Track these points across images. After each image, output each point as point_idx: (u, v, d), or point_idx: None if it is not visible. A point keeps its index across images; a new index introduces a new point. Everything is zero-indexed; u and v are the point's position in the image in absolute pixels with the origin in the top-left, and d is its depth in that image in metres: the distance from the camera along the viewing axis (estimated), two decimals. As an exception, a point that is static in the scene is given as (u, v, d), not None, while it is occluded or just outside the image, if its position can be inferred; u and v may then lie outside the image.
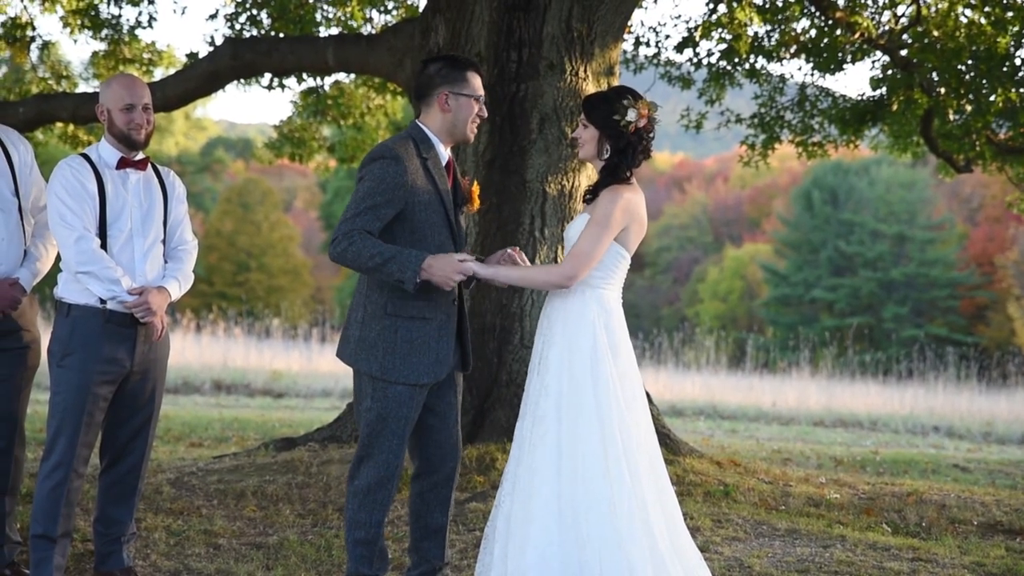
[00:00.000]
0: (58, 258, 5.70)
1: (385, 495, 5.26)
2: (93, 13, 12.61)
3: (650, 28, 13.28)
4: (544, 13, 8.99)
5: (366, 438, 5.23)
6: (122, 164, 5.60)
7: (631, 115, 5.20)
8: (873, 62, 12.96)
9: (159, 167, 5.81)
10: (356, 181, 5.22)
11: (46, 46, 13.22)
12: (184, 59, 12.66)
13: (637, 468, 5.09)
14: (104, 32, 12.76)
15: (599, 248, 5.16)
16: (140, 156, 5.67)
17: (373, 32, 12.57)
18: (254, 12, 12.33)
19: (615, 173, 5.25)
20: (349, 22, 12.97)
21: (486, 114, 5.41)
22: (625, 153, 5.24)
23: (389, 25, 12.52)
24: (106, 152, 5.61)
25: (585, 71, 9.06)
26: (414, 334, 5.19)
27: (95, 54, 13.28)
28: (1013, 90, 11.68)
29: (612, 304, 5.29)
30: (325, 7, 12.77)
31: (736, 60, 12.77)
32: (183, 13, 12.70)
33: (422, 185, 5.19)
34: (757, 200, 56.41)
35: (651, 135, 5.32)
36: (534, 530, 5.04)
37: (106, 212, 5.52)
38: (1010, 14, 11.54)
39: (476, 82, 5.37)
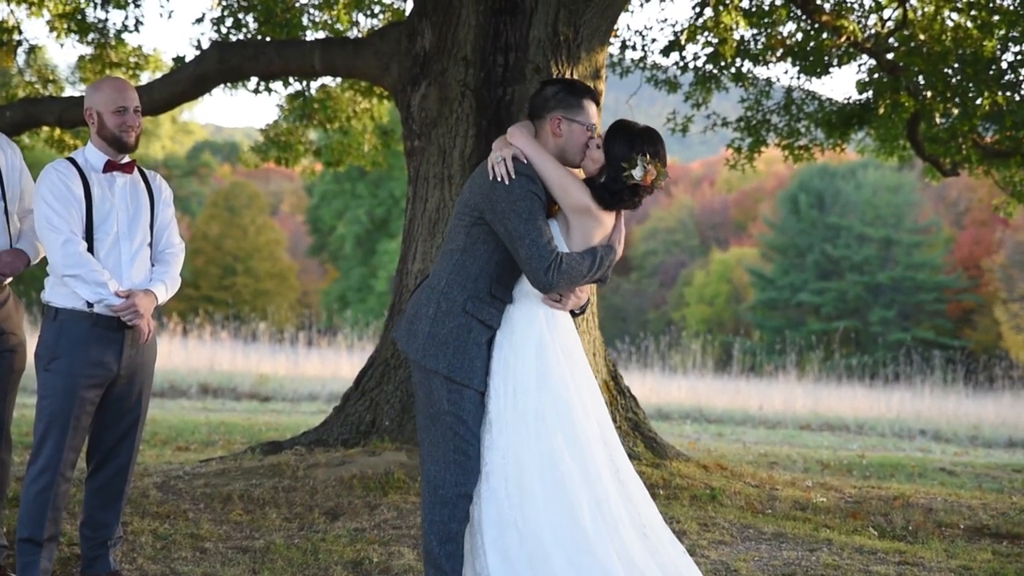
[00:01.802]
0: (44, 262, 5.69)
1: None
2: (79, 17, 12.61)
3: (636, 32, 13.27)
4: (530, 17, 8.99)
5: (455, 443, 5.07)
6: (109, 167, 5.59)
7: (637, 173, 5.11)
8: (859, 66, 12.99)
9: (145, 170, 5.80)
10: (489, 189, 5.08)
11: (32, 50, 13.21)
12: (171, 63, 12.64)
13: (597, 469, 5.04)
14: (90, 36, 12.76)
15: (555, 172, 5.09)
16: (126, 159, 5.66)
17: (359, 36, 12.57)
18: (240, 16, 12.33)
19: (593, 194, 5.18)
20: (335, 26, 12.98)
21: (599, 147, 5.22)
22: (611, 194, 5.17)
23: (375, 29, 12.51)
24: (92, 156, 5.60)
25: (571, 75, 9.04)
26: (483, 338, 5.13)
27: (82, 58, 13.27)
28: (999, 93, 11.71)
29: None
30: (311, 11, 12.77)
31: (722, 64, 12.78)
32: (169, 17, 12.72)
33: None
34: (743, 204, 56.54)
35: (646, 193, 5.24)
36: (491, 537, 4.99)
37: (92, 215, 5.51)
38: (996, 18, 11.59)
39: (591, 110, 5.25)
